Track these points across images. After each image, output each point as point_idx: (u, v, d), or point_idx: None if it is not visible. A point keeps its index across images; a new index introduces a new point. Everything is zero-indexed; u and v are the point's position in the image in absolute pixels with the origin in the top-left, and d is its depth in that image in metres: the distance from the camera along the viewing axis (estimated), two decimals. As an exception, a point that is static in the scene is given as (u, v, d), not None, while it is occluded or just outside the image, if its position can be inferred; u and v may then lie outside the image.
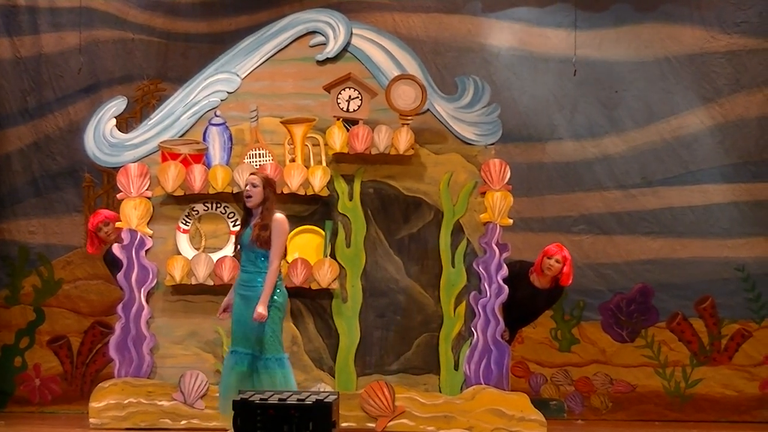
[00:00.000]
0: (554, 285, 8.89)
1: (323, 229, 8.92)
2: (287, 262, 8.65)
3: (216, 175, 8.83)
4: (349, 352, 8.92)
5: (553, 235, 10.02)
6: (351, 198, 9.00)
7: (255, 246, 7.72)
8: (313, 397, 7.90)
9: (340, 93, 8.83)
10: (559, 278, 8.81)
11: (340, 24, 9.12)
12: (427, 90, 8.88)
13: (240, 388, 7.59)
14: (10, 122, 10.65)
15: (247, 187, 7.81)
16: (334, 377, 8.90)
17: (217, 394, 8.73)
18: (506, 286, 8.77)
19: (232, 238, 8.93)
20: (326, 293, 8.91)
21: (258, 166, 8.86)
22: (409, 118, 8.87)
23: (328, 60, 9.13)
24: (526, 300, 8.91)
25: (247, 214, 7.87)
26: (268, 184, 7.83)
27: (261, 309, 7.65)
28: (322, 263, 8.81)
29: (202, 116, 9.08)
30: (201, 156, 8.93)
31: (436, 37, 10.52)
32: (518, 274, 8.85)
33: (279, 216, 7.79)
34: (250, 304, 7.72)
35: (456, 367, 8.87)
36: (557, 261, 8.77)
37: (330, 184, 8.91)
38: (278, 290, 7.77)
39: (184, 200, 8.96)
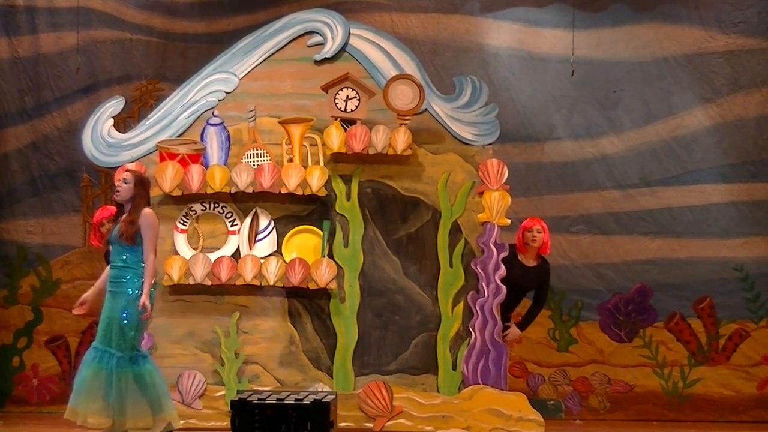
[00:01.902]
0: (539, 261, 9.01)
1: (321, 229, 8.92)
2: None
3: (214, 175, 8.83)
4: (347, 352, 8.91)
5: (551, 235, 9.95)
6: (349, 198, 9.00)
7: (122, 241, 7.66)
8: (311, 397, 7.92)
9: (337, 93, 8.83)
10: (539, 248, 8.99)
11: (338, 24, 9.12)
12: (425, 90, 8.88)
13: (95, 384, 7.51)
14: (9, 122, 10.64)
15: (118, 183, 7.79)
16: (332, 377, 8.90)
17: (217, 394, 8.78)
18: (504, 286, 8.78)
19: (230, 238, 8.96)
20: (324, 293, 8.91)
21: (256, 166, 8.86)
22: (407, 118, 8.87)
23: (326, 60, 9.12)
24: (519, 279, 8.96)
25: (119, 211, 7.83)
26: (140, 182, 7.77)
27: (143, 300, 7.58)
28: (319, 263, 8.81)
29: (199, 116, 9.08)
30: (199, 156, 8.93)
31: (434, 37, 10.52)
32: (507, 255, 8.86)
33: (147, 210, 7.72)
34: (117, 300, 7.65)
35: (454, 366, 8.86)
36: (538, 231, 8.95)
37: (328, 184, 8.91)
38: (138, 285, 7.67)
39: (182, 200, 8.96)
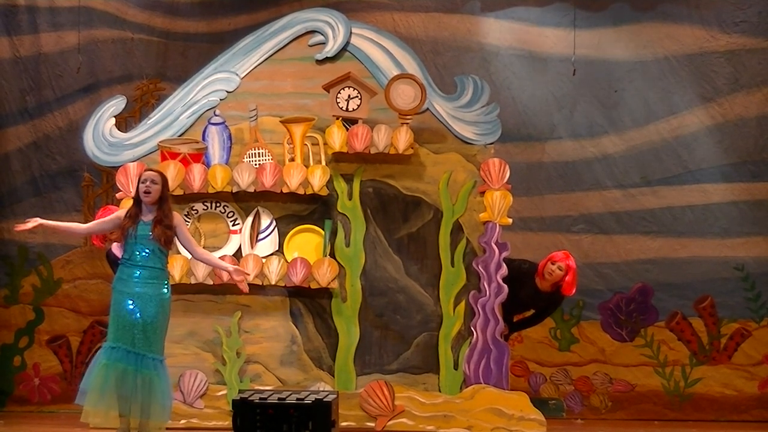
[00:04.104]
0: (555, 290, 8.87)
1: (323, 229, 8.92)
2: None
3: (215, 174, 8.83)
4: (349, 352, 8.91)
5: (553, 234, 10.04)
6: (350, 197, 9.00)
7: (159, 243, 7.55)
8: (313, 397, 7.91)
9: (339, 92, 8.83)
10: (561, 286, 8.81)
11: (340, 23, 9.12)
12: (427, 89, 8.88)
13: (119, 385, 7.40)
14: (10, 122, 10.65)
15: (147, 183, 7.59)
16: (333, 376, 8.90)
17: (219, 393, 8.77)
18: (506, 285, 8.77)
19: (232, 238, 8.95)
20: (326, 292, 8.91)
21: (258, 166, 8.86)
22: (409, 117, 8.87)
23: (327, 59, 9.13)
24: (528, 299, 8.92)
25: (138, 210, 7.63)
26: (167, 182, 7.69)
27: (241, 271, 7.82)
28: (321, 262, 8.81)
29: (201, 115, 9.08)
30: (200, 155, 8.93)
31: (435, 36, 10.52)
32: (526, 272, 8.84)
33: (176, 213, 7.73)
34: (149, 300, 7.53)
35: (455, 366, 8.86)
36: (559, 268, 8.75)
37: (329, 184, 8.91)
38: (169, 288, 7.66)
39: (184, 199, 8.95)
